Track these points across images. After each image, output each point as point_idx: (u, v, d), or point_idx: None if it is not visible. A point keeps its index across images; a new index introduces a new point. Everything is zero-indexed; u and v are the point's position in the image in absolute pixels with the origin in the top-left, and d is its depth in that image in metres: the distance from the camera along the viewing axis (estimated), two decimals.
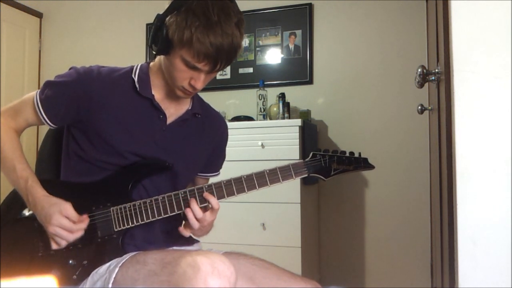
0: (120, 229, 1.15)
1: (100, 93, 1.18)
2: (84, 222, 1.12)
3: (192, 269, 0.92)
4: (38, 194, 1.12)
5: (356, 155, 1.24)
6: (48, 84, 1.21)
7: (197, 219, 1.15)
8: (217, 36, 1.06)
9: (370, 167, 1.24)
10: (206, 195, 1.15)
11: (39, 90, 1.21)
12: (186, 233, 1.19)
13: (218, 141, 1.36)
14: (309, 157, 1.21)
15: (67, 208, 1.10)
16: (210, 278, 0.90)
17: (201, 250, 1.12)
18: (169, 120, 1.23)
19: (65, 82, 1.19)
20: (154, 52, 1.16)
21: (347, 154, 1.23)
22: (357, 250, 2.96)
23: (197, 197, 1.16)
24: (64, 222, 1.09)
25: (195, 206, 1.14)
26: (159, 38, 1.11)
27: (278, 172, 1.18)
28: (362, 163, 1.23)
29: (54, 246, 1.11)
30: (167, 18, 1.10)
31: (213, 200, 1.15)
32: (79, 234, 1.11)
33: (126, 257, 1.09)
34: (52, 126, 1.22)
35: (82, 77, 1.18)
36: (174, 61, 1.12)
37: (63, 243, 1.10)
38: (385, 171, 2.87)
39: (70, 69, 1.22)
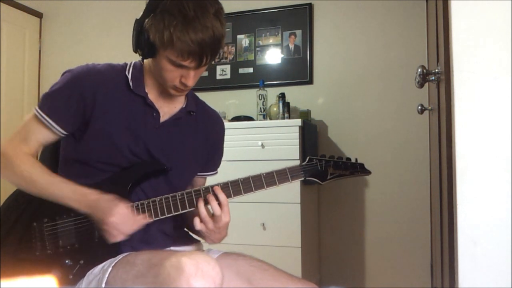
0: None
1: (95, 91, 1.16)
2: (144, 219, 1.13)
3: (176, 271, 0.92)
4: (92, 192, 1.12)
5: (353, 160, 1.25)
6: (48, 95, 1.17)
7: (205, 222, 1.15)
8: (197, 32, 1.05)
9: (367, 172, 1.24)
10: (216, 189, 1.15)
11: (37, 107, 1.16)
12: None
13: (214, 138, 1.35)
14: (306, 161, 1.22)
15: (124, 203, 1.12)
16: (193, 279, 0.91)
17: (187, 251, 1.12)
18: (163, 118, 1.23)
19: (64, 87, 1.17)
20: (140, 57, 1.16)
21: (344, 160, 1.24)
22: (357, 250, 2.96)
23: (195, 199, 1.15)
24: (128, 212, 1.10)
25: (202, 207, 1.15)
26: (141, 42, 1.11)
27: (275, 175, 1.18)
28: (359, 169, 1.24)
29: (111, 240, 1.10)
30: (145, 22, 1.10)
31: (222, 196, 1.15)
32: (136, 226, 1.12)
33: (119, 257, 1.10)
34: (65, 134, 1.19)
35: (77, 76, 1.17)
36: (160, 63, 1.12)
37: (120, 237, 1.10)
38: (385, 171, 2.87)
39: (63, 74, 1.20)
